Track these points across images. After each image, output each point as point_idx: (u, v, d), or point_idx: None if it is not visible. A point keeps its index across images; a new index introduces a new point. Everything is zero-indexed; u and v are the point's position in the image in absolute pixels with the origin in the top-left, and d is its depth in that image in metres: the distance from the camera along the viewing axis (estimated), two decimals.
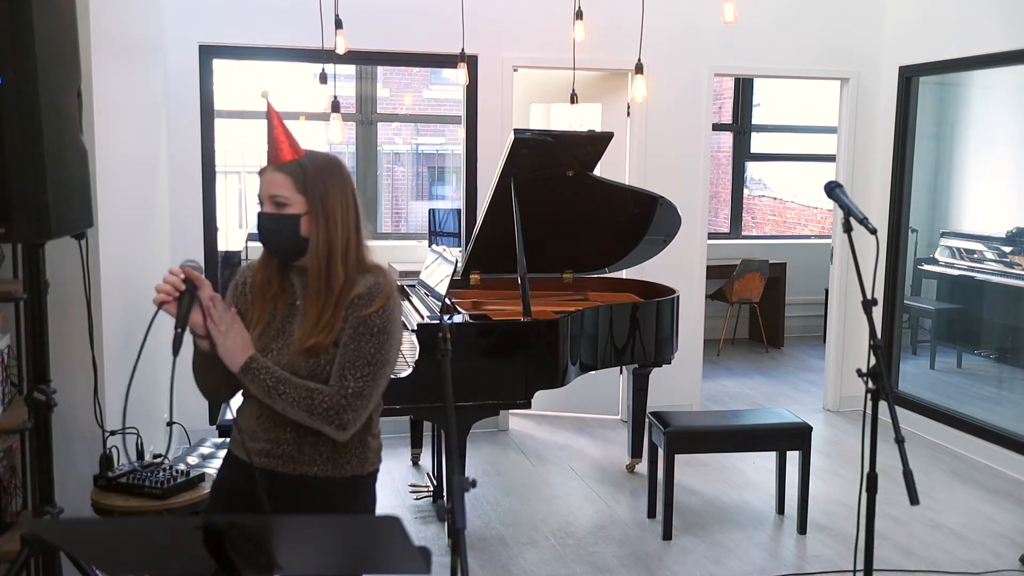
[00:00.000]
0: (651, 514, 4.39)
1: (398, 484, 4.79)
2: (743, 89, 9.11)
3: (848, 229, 2.52)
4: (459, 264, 4.52)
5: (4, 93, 2.27)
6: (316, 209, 2.04)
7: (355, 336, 2.04)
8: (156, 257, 4.65)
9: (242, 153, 9.00)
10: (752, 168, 10.15)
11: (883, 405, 2.41)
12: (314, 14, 4.59)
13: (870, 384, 2.49)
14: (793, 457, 4.31)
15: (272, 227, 2.06)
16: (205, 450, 3.74)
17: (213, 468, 3.44)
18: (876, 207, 6.00)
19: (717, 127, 8.95)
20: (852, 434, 5.74)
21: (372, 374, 2.04)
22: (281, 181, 2.04)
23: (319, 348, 2.04)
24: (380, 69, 9.31)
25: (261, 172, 2.08)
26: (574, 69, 4.94)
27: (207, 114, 5.15)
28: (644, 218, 4.81)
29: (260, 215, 2.08)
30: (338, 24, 4.40)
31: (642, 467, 4.89)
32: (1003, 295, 5.57)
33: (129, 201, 3.90)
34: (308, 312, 2.07)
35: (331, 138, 4.70)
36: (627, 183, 5.54)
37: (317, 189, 2.05)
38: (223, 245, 5.86)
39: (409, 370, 3.73)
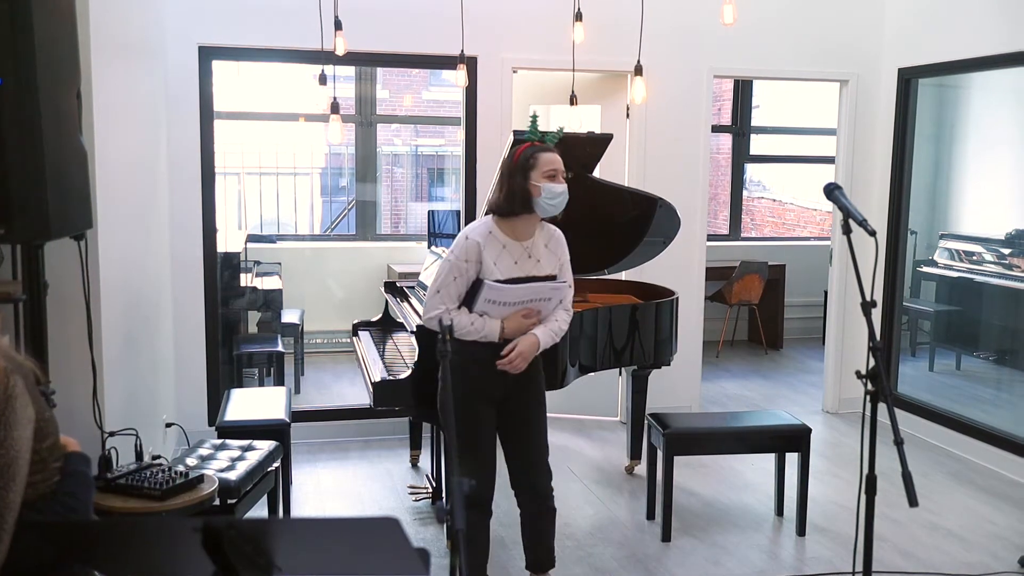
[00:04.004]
0: (650, 516, 4.39)
1: (397, 485, 4.78)
2: (742, 91, 9.12)
3: (847, 231, 2.52)
4: None
5: (4, 94, 2.27)
6: None
7: None
8: (156, 258, 4.65)
9: (241, 154, 9.01)
10: (751, 170, 10.15)
11: (882, 407, 2.41)
12: (314, 15, 4.59)
13: (869, 386, 2.49)
14: (792, 459, 4.31)
15: None
16: (204, 451, 3.74)
17: (212, 469, 3.44)
18: (875, 209, 6.00)
19: (716, 129, 8.96)
20: (851, 436, 5.74)
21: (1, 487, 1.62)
22: None
23: None
24: (379, 70, 9.31)
25: None
26: (573, 71, 4.94)
27: (206, 115, 5.15)
28: (643, 220, 4.81)
29: None
30: (338, 25, 4.40)
31: (641, 469, 4.89)
32: (1002, 297, 5.58)
33: (129, 202, 3.90)
34: None
35: (330, 139, 4.71)
36: (626, 185, 5.54)
37: None
38: (222, 246, 5.86)
39: (409, 370, 3.73)
